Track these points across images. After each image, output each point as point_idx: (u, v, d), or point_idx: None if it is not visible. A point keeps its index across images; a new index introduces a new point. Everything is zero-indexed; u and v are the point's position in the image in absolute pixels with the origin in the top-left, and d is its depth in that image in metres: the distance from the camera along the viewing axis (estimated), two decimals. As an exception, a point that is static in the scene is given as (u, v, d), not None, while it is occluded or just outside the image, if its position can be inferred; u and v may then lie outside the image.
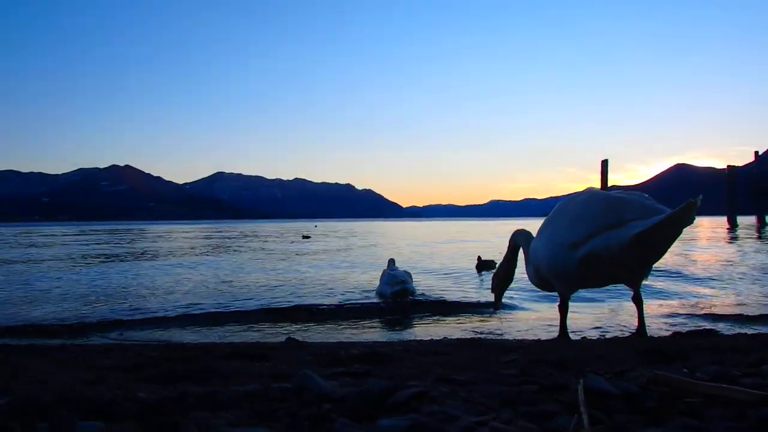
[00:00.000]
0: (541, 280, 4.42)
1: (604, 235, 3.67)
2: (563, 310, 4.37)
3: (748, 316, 6.45)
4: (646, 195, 3.93)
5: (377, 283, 9.32)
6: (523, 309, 7.49)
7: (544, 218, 4.37)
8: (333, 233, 44.47)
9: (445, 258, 16.76)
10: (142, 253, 16.60)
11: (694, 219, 3.50)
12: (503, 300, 5.29)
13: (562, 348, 3.84)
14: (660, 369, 2.35)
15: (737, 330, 5.49)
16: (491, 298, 5.07)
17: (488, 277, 10.96)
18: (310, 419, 2.08)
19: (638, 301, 4.18)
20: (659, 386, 1.95)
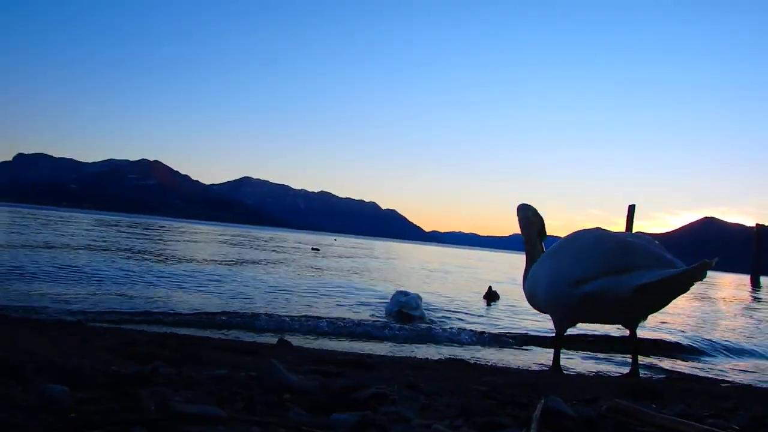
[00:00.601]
0: (535, 302, 4.39)
1: (611, 277, 3.61)
2: (557, 344, 4.27)
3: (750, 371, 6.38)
4: (656, 242, 3.88)
5: (386, 302, 9.31)
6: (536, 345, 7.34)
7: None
8: (351, 248, 44.48)
9: (457, 285, 16.68)
10: (160, 253, 16.67)
11: (704, 276, 3.45)
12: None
13: (547, 377, 3.80)
14: (633, 402, 2.31)
15: (736, 380, 5.40)
16: (495, 324, 4.94)
17: (496, 306, 10.90)
18: (265, 405, 2.10)
19: (633, 342, 4.13)
20: (619, 415, 1.92)
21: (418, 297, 9.41)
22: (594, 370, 5.88)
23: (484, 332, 7.70)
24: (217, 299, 8.56)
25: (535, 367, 5.33)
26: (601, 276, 3.64)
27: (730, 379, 5.67)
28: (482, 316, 9.70)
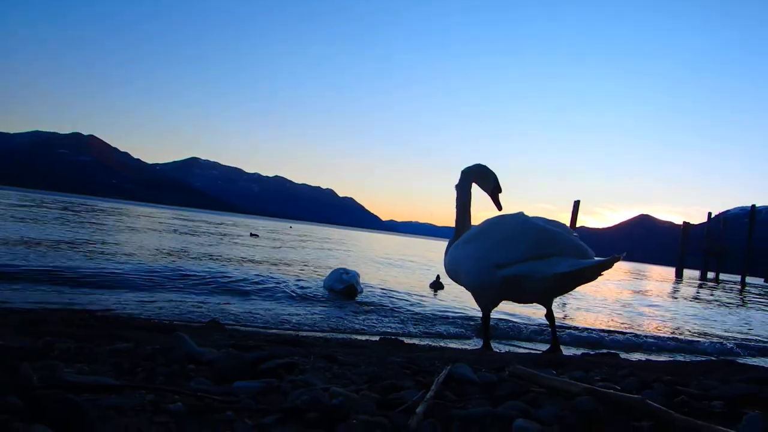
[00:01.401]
0: (457, 280, 4.51)
1: (532, 263, 3.83)
2: (485, 323, 4.41)
3: (659, 347, 6.92)
4: (571, 231, 4.13)
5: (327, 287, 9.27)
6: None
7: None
8: (304, 235, 43.98)
9: (407, 273, 16.84)
10: (85, 238, 15.86)
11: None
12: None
13: (476, 353, 3.89)
14: (537, 370, 2.39)
15: (642, 357, 5.74)
16: (440, 309, 4.94)
17: (441, 295, 11.00)
18: (168, 375, 2.06)
19: (551, 318, 4.33)
20: (517, 379, 2.00)
21: (357, 274, 9.46)
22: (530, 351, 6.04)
23: (428, 316, 7.77)
24: (143, 286, 8.19)
25: (472, 348, 5.43)
26: (524, 261, 3.86)
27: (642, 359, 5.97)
28: (428, 301, 9.78)
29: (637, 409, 1.54)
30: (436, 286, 11.91)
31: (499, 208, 4.76)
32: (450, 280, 4.70)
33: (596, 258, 3.83)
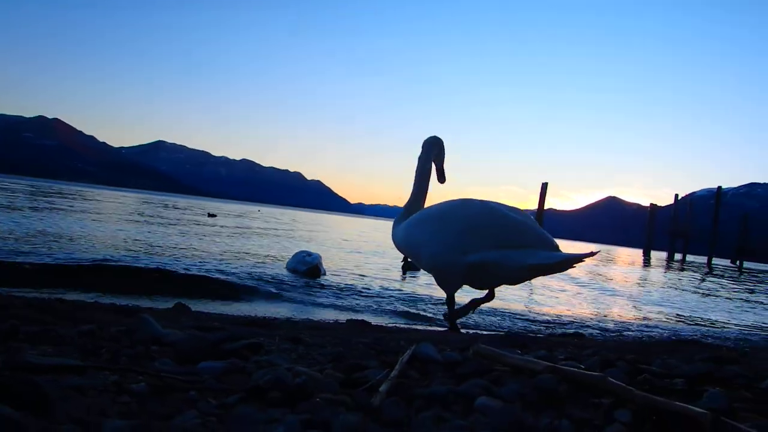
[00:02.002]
0: (407, 254, 4.54)
1: (504, 252, 3.84)
2: (450, 305, 4.41)
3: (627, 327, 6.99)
4: (533, 218, 4.21)
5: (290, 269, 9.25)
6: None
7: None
8: (272, 218, 43.55)
9: (370, 254, 16.84)
10: (47, 217, 15.39)
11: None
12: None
13: (443, 334, 3.93)
14: (502, 349, 2.43)
15: (608, 337, 5.85)
16: (409, 291, 4.95)
17: (411, 277, 11.04)
18: (131, 356, 2.04)
19: (488, 298, 4.36)
20: (480, 357, 2.02)
21: (319, 255, 9.52)
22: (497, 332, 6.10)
23: (395, 297, 7.79)
24: (107, 271, 8.00)
25: (440, 329, 5.46)
26: (490, 249, 3.86)
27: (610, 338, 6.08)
28: (394, 283, 9.81)
29: (598, 387, 1.57)
30: (406, 267, 11.94)
31: (443, 180, 4.77)
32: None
33: (571, 253, 3.89)
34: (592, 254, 3.75)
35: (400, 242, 4.51)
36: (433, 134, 4.73)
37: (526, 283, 4.52)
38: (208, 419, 1.36)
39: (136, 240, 12.12)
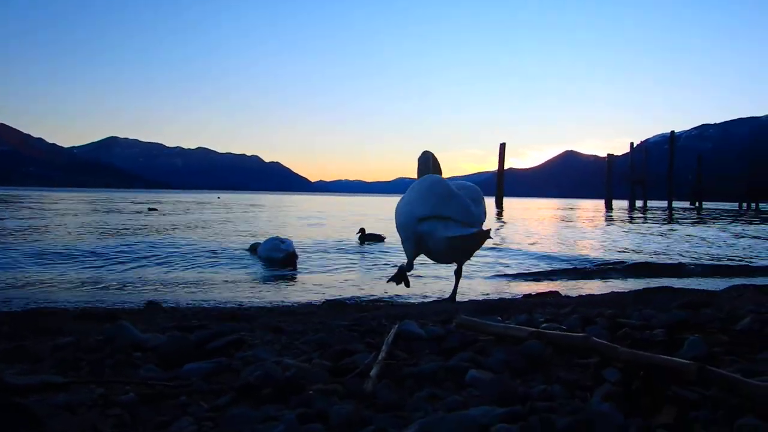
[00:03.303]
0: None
1: (435, 222, 4.17)
2: (406, 269, 4.69)
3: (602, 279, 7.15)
4: (479, 198, 4.46)
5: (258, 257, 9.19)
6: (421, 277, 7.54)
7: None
8: (231, 205, 42.92)
9: (335, 230, 16.80)
10: None
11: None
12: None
13: (416, 307, 3.97)
14: (482, 318, 2.46)
15: (583, 292, 5.98)
16: (373, 264, 5.04)
17: (371, 248, 11.08)
18: (114, 366, 2.01)
19: (458, 274, 4.68)
20: (464, 329, 2.04)
21: (292, 242, 9.45)
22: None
23: (365, 272, 7.80)
24: (67, 272, 7.83)
25: (414, 300, 5.51)
26: (432, 219, 4.20)
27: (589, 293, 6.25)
28: (363, 258, 9.83)
29: (583, 347, 1.61)
30: (363, 239, 12.01)
31: None
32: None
33: (474, 229, 4.13)
34: (488, 232, 4.12)
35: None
36: (424, 149, 5.13)
37: (497, 237, 4.64)
38: (204, 424, 1.36)
39: (95, 237, 11.84)
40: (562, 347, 1.67)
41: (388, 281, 4.86)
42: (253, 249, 9.72)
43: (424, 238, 4.26)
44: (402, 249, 4.66)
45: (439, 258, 4.53)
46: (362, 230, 12.17)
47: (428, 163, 5.03)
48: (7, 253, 8.86)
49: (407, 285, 4.81)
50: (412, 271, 4.76)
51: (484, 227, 4.20)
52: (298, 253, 9.38)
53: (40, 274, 7.40)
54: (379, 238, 12.13)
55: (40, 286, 6.84)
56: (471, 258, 4.70)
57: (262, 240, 9.85)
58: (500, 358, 1.64)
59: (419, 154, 5.20)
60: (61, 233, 13.16)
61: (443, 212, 4.15)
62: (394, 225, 4.76)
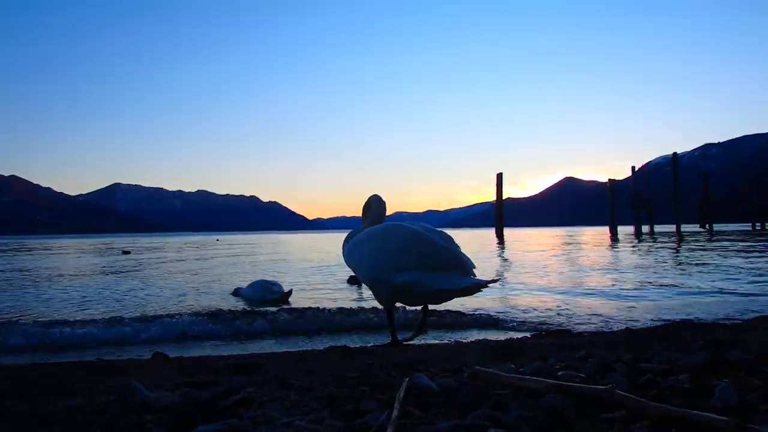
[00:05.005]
0: (354, 271, 4.84)
1: (422, 274, 4.19)
2: (390, 320, 4.72)
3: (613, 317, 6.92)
4: (456, 244, 4.47)
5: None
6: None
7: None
8: (230, 247, 42.79)
9: (326, 266, 16.76)
10: None
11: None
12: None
13: (422, 351, 3.90)
14: (494, 365, 2.40)
15: (595, 327, 5.84)
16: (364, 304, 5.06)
17: (362, 288, 10.98)
18: (125, 429, 1.96)
19: (425, 313, 4.72)
20: (477, 381, 1.98)
21: (278, 283, 9.58)
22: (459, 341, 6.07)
23: (357, 311, 7.69)
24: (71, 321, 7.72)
25: (411, 341, 5.46)
26: (413, 270, 4.23)
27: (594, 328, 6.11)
28: (351, 296, 9.78)
29: (606, 399, 1.53)
30: (353, 279, 11.94)
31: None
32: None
33: (478, 278, 4.19)
34: (497, 280, 4.25)
35: (346, 259, 4.88)
36: (374, 192, 5.15)
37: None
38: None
39: (94, 283, 11.79)
40: (584, 399, 1.60)
41: (390, 337, 4.75)
42: (237, 292, 9.87)
43: (409, 289, 4.25)
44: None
45: (420, 303, 4.56)
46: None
47: (381, 209, 5.02)
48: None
49: (395, 339, 4.72)
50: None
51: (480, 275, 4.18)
52: (292, 291, 9.41)
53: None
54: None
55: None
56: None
57: (245, 284, 10.03)
58: (519, 414, 1.57)
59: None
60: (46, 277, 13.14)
61: (431, 264, 4.18)
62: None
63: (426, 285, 4.14)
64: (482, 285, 4.06)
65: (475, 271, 4.27)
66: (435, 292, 4.16)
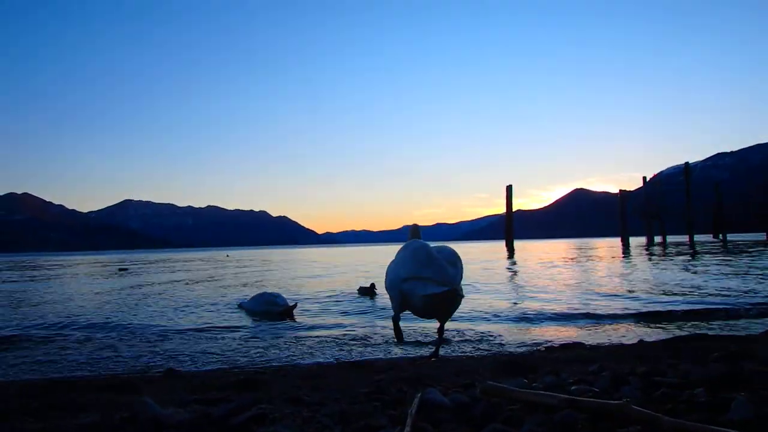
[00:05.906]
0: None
1: (414, 282, 4.57)
2: (395, 324, 5.10)
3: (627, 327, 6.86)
4: (455, 252, 4.86)
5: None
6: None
7: (444, 243, 4.89)
8: (246, 260, 42.93)
9: (332, 281, 16.75)
10: None
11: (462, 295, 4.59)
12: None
13: (429, 366, 3.88)
14: (507, 380, 2.39)
15: (608, 341, 5.77)
16: (374, 316, 5.16)
17: (365, 298, 10.93)
18: (138, 449, 1.96)
19: (440, 332, 5.00)
20: (490, 396, 1.97)
21: (281, 295, 9.58)
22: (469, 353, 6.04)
23: (368, 326, 7.66)
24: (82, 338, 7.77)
25: (424, 352, 5.44)
26: (412, 279, 4.61)
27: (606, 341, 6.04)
28: (359, 310, 9.71)
29: (620, 415, 1.52)
30: (366, 292, 11.85)
31: None
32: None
33: (447, 287, 4.43)
34: (458, 290, 4.47)
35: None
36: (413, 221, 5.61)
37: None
38: None
39: (100, 303, 11.85)
40: (598, 415, 1.59)
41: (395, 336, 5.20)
42: (241, 306, 9.88)
43: (407, 295, 4.67)
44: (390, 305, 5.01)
45: (420, 313, 4.84)
46: (372, 285, 11.92)
47: (416, 232, 5.48)
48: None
49: (401, 341, 5.18)
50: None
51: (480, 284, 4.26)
52: (298, 305, 9.38)
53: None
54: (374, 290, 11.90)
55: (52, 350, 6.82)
56: (451, 316, 4.99)
57: (248, 297, 10.02)
58: (532, 429, 1.56)
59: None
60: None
61: (422, 273, 4.55)
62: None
63: (415, 292, 4.53)
64: (452, 293, 4.38)
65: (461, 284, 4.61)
66: (419, 298, 4.51)
